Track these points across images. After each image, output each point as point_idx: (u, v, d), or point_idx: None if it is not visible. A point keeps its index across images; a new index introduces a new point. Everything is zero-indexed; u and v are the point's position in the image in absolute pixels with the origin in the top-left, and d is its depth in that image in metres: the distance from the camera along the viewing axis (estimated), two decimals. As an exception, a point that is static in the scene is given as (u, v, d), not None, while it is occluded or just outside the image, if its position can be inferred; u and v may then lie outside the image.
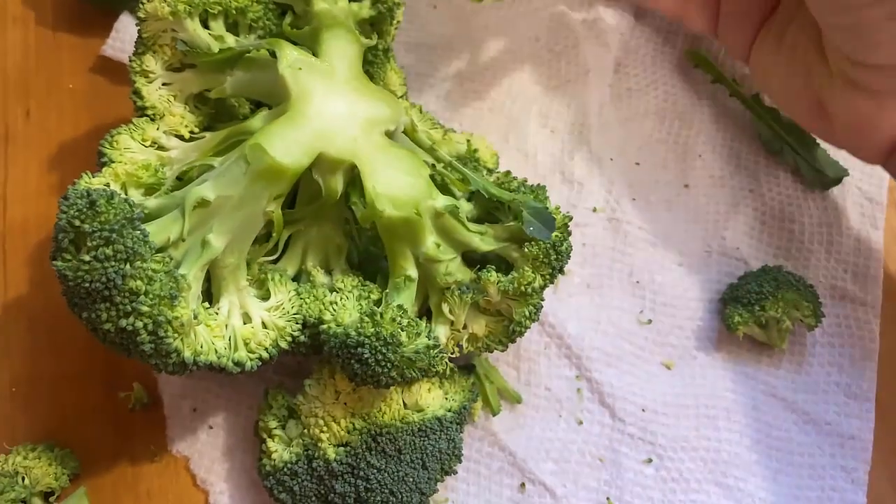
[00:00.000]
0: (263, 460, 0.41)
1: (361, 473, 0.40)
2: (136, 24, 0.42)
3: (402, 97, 0.48)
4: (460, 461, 0.43)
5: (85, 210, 0.33)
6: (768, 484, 0.45)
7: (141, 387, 0.47)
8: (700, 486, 0.45)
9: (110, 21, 0.54)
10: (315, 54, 0.41)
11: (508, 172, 0.42)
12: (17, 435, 0.46)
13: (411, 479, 0.40)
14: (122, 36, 0.53)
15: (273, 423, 0.42)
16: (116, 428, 0.47)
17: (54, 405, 0.47)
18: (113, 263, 0.33)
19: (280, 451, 0.41)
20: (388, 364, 0.37)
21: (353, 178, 0.40)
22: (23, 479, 0.43)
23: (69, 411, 0.47)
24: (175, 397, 0.47)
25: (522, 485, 0.46)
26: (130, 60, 0.42)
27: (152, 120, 0.41)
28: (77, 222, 0.33)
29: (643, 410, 0.47)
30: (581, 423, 0.47)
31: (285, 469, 0.41)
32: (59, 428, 0.46)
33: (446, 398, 0.43)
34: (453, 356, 0.42)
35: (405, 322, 0.38)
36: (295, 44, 0.41)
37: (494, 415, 0.46)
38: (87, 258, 0.33)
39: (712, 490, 0.45)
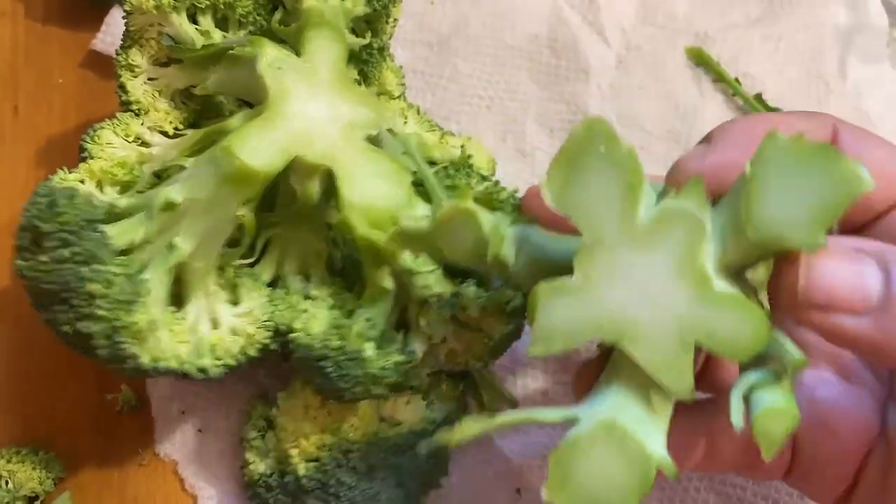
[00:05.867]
0: (244, 470, 0.40)
1: (332, 491, 0.38)
2: (123, 18, 0.41)
3: (399, 97, 0.47)
4: (446, 475, 0.42)
5: (45, 209, 0.32)
6: (768, 492, 0.44)
7: (129, 388, 0.46)
8: (699, 494, 0.44)
9: (101, 15, 0.53)
10: (298, 53, 0.39)
11: (498, 182, 0.40)
12: (1, 436, 0.45)
13: (385, 497, 0.39)
14: (113, 30, 0.52)
15: (252, 434, 0.41)
16: (103, 430, 0.46)
17: (40, 406, 0.46)
18: (70, 265, 0.32)
19: (257, 462, 0.40)
20: (352, 380, 0.35)
21: (332, 184, 0.38)
22: (6, 483, 0.43)
23: (55, 413, 0.46)
24: (163, 400, 0.46)
25: (518, 491, 0.45)
26: (116, 54, 0.41)
27: (136, 115, 0.40)
28: (36, 221, 0.32)
29: (641, 417, 0.46)
30: (577, 429, 0.46)
31: (261, 482, 0.39)
32: (44, 430, 0.46)
33: (429, 409, 0.41)
34: (431, 371, 0.40)
35: (374, 336, 0.36)
36: (281, 41, 0.40)
37: (489, 420, 0.45)
38: (45, 258, 0.32)
39: (711, 499, 0.44)
